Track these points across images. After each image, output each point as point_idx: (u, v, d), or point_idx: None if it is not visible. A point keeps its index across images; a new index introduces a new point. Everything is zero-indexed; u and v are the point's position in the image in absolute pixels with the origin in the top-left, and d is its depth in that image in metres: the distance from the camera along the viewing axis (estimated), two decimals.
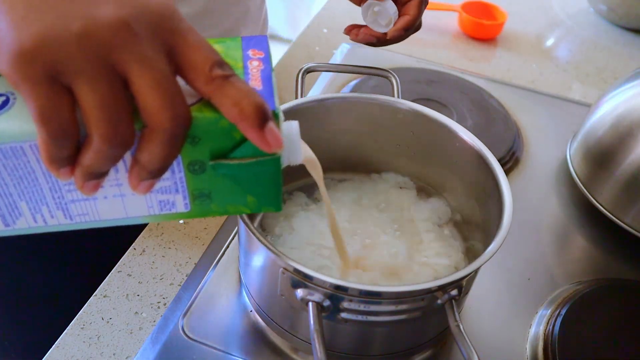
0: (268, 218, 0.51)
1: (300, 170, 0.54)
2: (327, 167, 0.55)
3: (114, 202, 0.33)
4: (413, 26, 0.53)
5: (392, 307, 0.38)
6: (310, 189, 0.53)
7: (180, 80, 0.29)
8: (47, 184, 0.32)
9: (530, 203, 0.63)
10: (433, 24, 0.94)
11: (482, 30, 0.91)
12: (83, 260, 0.69)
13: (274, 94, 0.31)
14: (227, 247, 0.54)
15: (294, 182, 0.54)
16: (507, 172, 0.65)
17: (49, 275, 0.68)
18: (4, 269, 0.67)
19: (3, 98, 0.30)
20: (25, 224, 0.34)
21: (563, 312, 0.50)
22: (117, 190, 0.32)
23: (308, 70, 0.53)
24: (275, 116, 0.30)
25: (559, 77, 0.85)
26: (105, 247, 0.66)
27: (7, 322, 0.71)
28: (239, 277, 0.51)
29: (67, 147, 0.28)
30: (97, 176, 0.29)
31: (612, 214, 0.59)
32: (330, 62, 0.82)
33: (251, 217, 0.50)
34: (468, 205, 0.50)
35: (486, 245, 0.42)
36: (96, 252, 0.68)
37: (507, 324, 0.51)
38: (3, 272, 0.68)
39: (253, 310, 0.48)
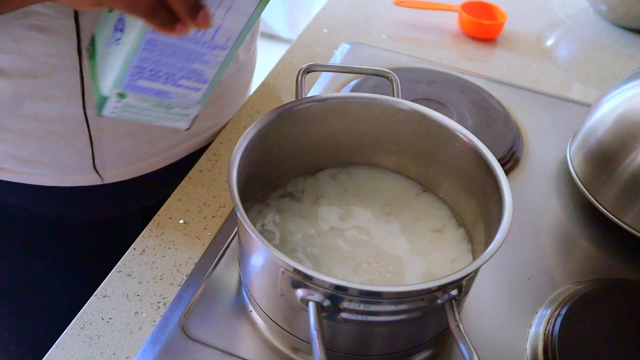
0: (269, 224, 0.51)
1: (285, 173, 0.54)
2: (327, 167, 0.56)
3: (232, 15, 0.40)
4: None
5: (392, 307, 0.38)
6: (294, 193, 0.54)
7: None
8: (187, 42, 0.41)
9: (530, 203, 0.63)
10: (433, 24, 0.94)
11: (482, 30, 0.91)
12: (83, 260, 0.69)
13: None
14: (227, 247, 0.54)
15: (281, 189, 0.54)
16: (507, 172, 0.65)
17: (49, 275, 0.68)
18: (4, 269, 0.67)
19: (118, 15, 0.41)
20: (212, 73, 0.45)
21: (563, 312, 0.50)
22: (223, 9, 0.40)
23: (308, 70, 0.53)
24: None
25: (559, 77, 0.85)
26: (105, 247, 0.66)
27: (9, 322, 0.71)
28: (239, 277, 0.51)
29: (160, 13, 0.36)
30: (196, 10, 0.37)
31: (612, 214, 0.59)
32: (330, 62, 0.82)
33: (252, 218, 0.50)
34: (468, 206, 0.51)
35: (486, 245, 0.42)
36: (96, 252, 0.68)
37: (507, 324, 0.51)
38: (3, 272, 0.68)
39: (253, 310, 0.48)
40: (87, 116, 0.54)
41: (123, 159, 0.61)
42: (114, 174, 0.61)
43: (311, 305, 0.37)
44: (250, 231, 0.38)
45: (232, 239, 0.55)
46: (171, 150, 0.64)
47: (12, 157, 0.56)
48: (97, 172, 0.59)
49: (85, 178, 0.60)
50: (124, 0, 0.37)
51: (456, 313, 0.38)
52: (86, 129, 0.55)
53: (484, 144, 0.47)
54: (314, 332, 0.36)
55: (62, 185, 0.59)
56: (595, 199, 0.60)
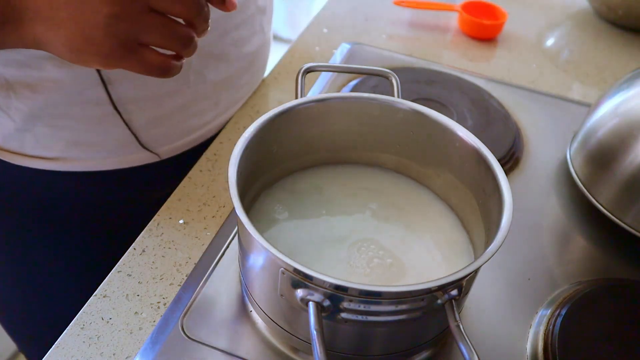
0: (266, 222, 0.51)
1: (285, 172, 0.54)
2: (327, 166, 0.56)
3: None
4: None
5: (392, 307, 0.38)
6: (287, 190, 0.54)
7: None
8: None
9: (530, 203, 0.63)
10: (433, 24, 0.94)
11: (482, 30, 0.91)
12: (83, 260, 0.69)
13: None
14: (227, 247, 0.54)
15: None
16: (507, 172, 0.65)
17: (49, 275, 0.68)
18: (5, 270, 0.68)
19: None
20: None
21: (563, 312, 0.50)
22: None
23: (308, 70, 0.53)
24: None
25: (559, 77, 0.85)
26: (105, 247, 0.66)
27: (17, 318, 0.72)
28: (239, 277, 0.51)
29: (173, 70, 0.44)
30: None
31: (612, 214, 0.59)
32: (330, 62, 0.82)
33: (251, 218, 0.50)
34: (468, 206, 0.50)
35: (486, 245, 0.42)
36: (96, 252, 0.68)
37: (507, 324, 0.51)
38: (4, 273, 0.68)
39: (253, 310, 0.48)
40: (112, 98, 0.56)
41: (173, 135, 0.63)
42: (168, 149, 0.64)
43: (311, 305, 0.37)
44: (250, 231, 0.38)
45: (232, 239, 0.55)
46: (214, 122, 0.67)
47: (76, 144, 0.57)
48: (148, 150, 0.62)
49: (139, 157, 0.62)
50: (138, 66, 0.41)
51: (456, 313, 0.38)
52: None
53: (484, 144, 0.47)
54: (314, 332, 0.36)
55: (122, 167, 0.62)
56: (595, 199, 0.60)
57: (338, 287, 0.37)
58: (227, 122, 0.70)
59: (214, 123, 0.68)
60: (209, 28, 0.44)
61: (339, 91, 0.75)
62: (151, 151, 0.62)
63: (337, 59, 0.82)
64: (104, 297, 0.50)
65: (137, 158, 0.62)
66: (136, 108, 0.57)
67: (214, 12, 0.46)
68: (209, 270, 0.52)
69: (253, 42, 0.67)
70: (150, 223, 0.56)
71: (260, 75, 0.75)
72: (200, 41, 0.55)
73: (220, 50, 0.62)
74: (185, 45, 0.43)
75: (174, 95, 0.60)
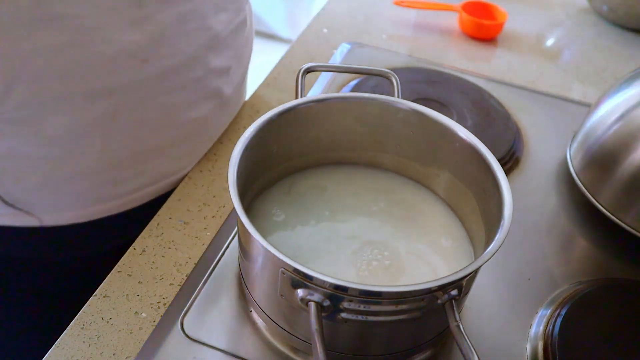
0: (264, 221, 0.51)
1: (285, 172, 0.54)
2: (327, 166, 0.56)
3: None
4: None
5: (392, 307, 0.38)
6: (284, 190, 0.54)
7: None
8: None
9: (530, 203, 0.63)
10: (433, 24, 0.94)
11: (482, 30, 0.91)
12: (83, 260, 0.69)
13: None
14: (227, 247, 0.54)
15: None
16: (507, 172, 0.65)
17: (49, 275, 0.68)
18: (4, 270, 0.67)
19: None
20: None
21: (563, 312, 0.50)
22: None
23: (308, 70, 0.53)
24: None
25: (559, 77, 0.85)
26: (105, 247, 0.66)
27: (4, 321, 0.72)
28: (239, 277, 0.51)
29: None
30: None
31: (613, 214, 0.59)
32: (330, 62, 0.82)
33: (251, 218, 0.50)
34: (468, 206, 0.51)
35: (486, 245, 0.42)
36: (96, 252, 0.68)
37: (507, 324, 0.51)
38: (4, 272, 0.68)
39: (253, 310, 0.48)
40: None
41: (75, 202, 0.57)
42: (71, 216, 0.58)
43: (311, 305, 0.37)
44: (250, 231, 0.38)
45: (232, 239, 0.55)
46: (137, 193, 0.60)
47: None
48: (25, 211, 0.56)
49: (25, 218, 0.56)
50: None
51: (456, 313, 0.38)
52: None
53: (484, 144, 0.47)
54: (314, 332, 0.36)
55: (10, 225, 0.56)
56: (595, 199, 0.60)
57: (338, 287, 0.37)
58: (161, 195, 0.61)
59: (138, 194, 0.59)
60: None
61: (339, 91, 0.75)
62: (33, 214, 0.55)
63: (337, 59, 0.82)
64: (104, 297, 0.50)
65: (9, 219, 0.56)
66: (16, 166, 0.51)
67: (139, 72, 0.43)
68: (209, 270, 0.52)
69: (200, 108, 0.58)
70: (150, 223, 0.56)
71: (211, 141, 0.64)
72: (113, 98, 0.49)
73: (143, 114, 0.53)
74: None
75: (76, 158, 0.52)
